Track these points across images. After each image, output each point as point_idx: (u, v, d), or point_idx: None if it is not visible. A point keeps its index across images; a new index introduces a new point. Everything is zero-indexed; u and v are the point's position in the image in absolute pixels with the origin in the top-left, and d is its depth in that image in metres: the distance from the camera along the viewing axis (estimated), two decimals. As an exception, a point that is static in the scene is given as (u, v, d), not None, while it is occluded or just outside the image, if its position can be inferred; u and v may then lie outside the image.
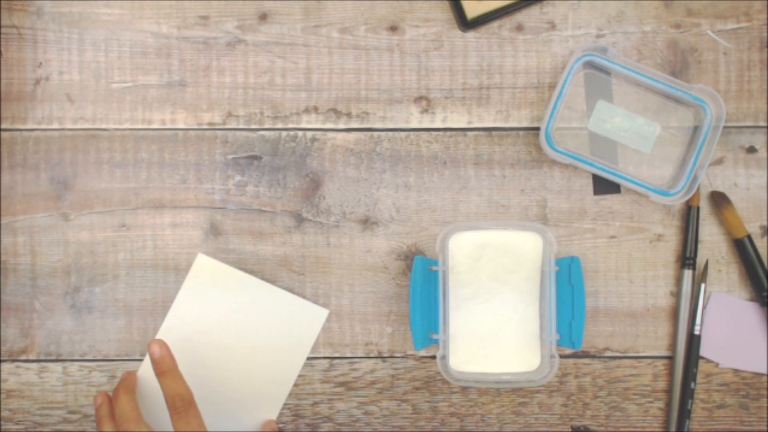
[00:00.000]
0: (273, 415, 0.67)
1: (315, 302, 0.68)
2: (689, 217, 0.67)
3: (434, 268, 0.66)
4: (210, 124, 0.69)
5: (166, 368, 0.61)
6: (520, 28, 0.69)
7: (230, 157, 0.69)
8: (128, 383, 0.65)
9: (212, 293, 0.67)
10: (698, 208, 0.67)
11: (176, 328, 0.67)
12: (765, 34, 0.69)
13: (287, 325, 0.67)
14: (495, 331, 0.66)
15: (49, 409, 0.68)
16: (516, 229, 0.67)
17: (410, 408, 0.68)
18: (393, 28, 0.69)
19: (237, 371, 0.67)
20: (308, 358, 0.68)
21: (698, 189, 0.67)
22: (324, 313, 0.68)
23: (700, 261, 0.68)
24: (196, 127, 0.69)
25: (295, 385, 0.67)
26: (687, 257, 0.67)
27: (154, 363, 0.61)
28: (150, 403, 0.66)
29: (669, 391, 0.68)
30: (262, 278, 0.68)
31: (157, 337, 0.67)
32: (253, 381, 0.67)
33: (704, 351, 0.68)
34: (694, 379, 0.67)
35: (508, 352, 0.67)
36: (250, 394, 0.67)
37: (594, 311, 0.68)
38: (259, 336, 0.67)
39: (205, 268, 0.67)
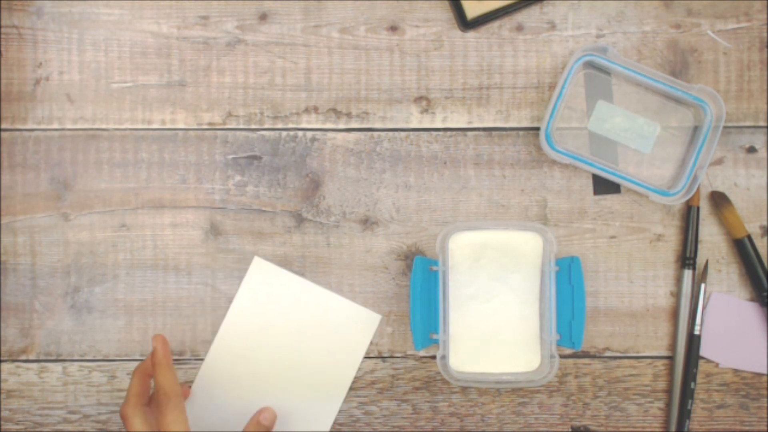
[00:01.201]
0: (330, 418, 0.67)
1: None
2: (689, 217, 0.67)
3: (434, 268, 0.66)
4: (210, 124, 0.69)
5: (157, 361, 0.61)
6: (520, 28, 0.69)
7: (230, 157, 0.69)
8: (167, 359, 0.64)
9: (268, 296, 0.67)
10: (698, 208, 0.67)
11: (233, 331, 0.67)
12: (765, 34, 0.69)
13: (341, 329, 0.67)
14: (495, 331, 0.66)
15: (49, 409, 0.68)
16: (516, 229, 0.67)
17: (410, 408, 0.68)
18: (393, 28, 0.69)
19: (293, 374, 0.67)
20: (308, 358, 0.68)
21: (698, 189, 0.67)
22: (377, 318, 0.68)
23: (700, 261, 0.68)
24: (196, 127, 0.69)
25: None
26: (687, 257, 0.67)
27: (151, 355, 0.62)
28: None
29: (669, 391, 0.68)
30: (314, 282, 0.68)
31: (216, 339, 0.67)
32: (309, 384, 0.67)
33: (704, 351, 0.68)
34: (694, 379, 0.67)
35: (508, 352, 0.66)
36: (306, 397, 0.67)
37: (594, 311, 0.68)
38: (315, 339, 0.67)
39: (260, 271, 0.68)
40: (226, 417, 0.66)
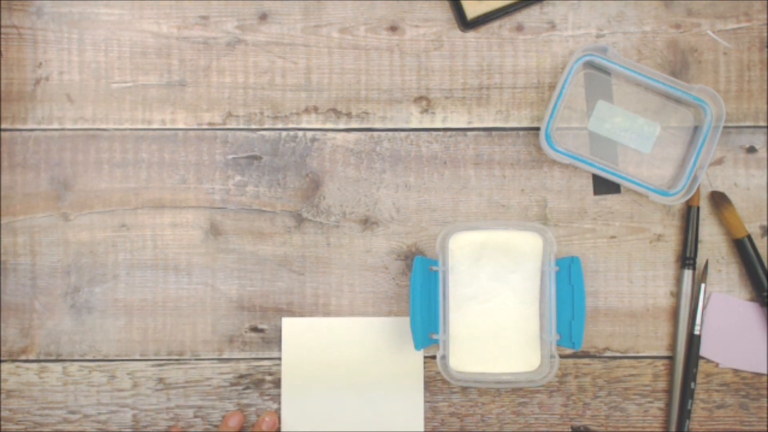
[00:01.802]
0: (419, 415, 0.67)
1: (315, 302, 0.68)
2: (689, 217, 0.67)
3: (434, 268, 0.66)
4: (210, 124, 0.69)
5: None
6: (520, 28, 0.69)
7: (230, 157, 0.69)
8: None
9: (310, 350, 0.68)
10: (698, 208, 0.67)
11: (295, 397, 0.67)
12: (765, 34, 0.69)
13: (391, 348, 0.67)
14: (495, 331, 0.66)
15: (49, 409, 0.68)
16: (516, 229, 0.67)
17: (410, 408, 0.68)
18: (393, 28, 0.69)
19: (367, 401, 0.67)
20: (308, 358, 0.68)
21: (698, 189, 0.67)
22: (406, 320, 0.68)
23: (700, 261, 0.68)
24: (196, 127, 0.69)
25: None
26: (687, 257, 0.67)
27: (259, 424, 0.66)
28: None
29: (669, 391, 0.68)
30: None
31: (283, 412, 0.67)
32: (386, 400, 0.67)
33: (704, 351, 0.68)
34: (694, 379, 0.67)
35: (508, 352, 0.66)
36: (389, 410, 0.67)
37: (594, 311, 0.68)
38: (369, 362, 0.67)
39: (293, 329, 0.68)
40: None
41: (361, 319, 0.68)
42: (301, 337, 0.68)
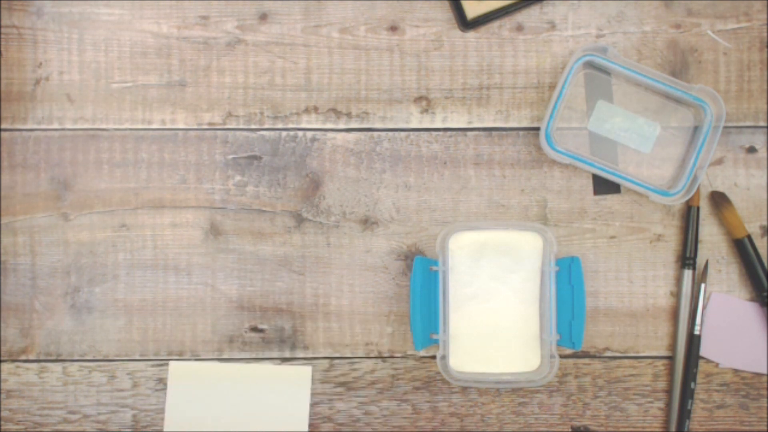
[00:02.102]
0: None
1: (315, 302, 0.68)
2: (689, 217, 0.67)
3: (434, 268, 0.66)
4: (210, 124, 0.69)
5: None
6: (520, 28, 0.69)
7: (230, 157, 0.69)
8: None
9: (197, 395, 0.67)
10: (698, 208, 0.67)
11: None
12: (765, 34, 0.69)
13: (279, 395, 0.67)
14: (495, 331, 0.66)
15: (49, 409, 0.68)
16: (516, 229, 0.67)
17: (410, 408, 0.68)
18: (393, 28, 0.69)
19: None
20: (308, 359, 0.68)
21: (698, 189, 0.67)
22: (308, 370, 0.68)
23: (700, 261, 0.68)
24: (196, 127, 0.69)
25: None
26: (687, 257, 0.67)
27: None
28: None
29: (669, 391, 0.68)
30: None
31: None
32: None
33: (704, 351, 0.68)
34: (694, 379, 0.67)
35: (508, 352, 0.66)
36: None
37: (594, 311, 0.68)
38: (257, 416, 0.67)
39: (180, 373, 0.67)
40: None
41: (248, 365, 0.68)
42: (188, 383, 0.67)
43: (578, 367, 0.68)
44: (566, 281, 0.65)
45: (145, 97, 0.69)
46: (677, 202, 0.66)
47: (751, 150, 0.68)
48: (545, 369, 0.65)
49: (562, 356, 0.68)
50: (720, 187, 0.68)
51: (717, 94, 0.65)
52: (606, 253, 0.68)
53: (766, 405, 0.68)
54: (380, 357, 0.68)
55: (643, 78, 0.66)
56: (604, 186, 0.69)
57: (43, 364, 0.68)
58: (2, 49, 0.69)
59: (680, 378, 0.67)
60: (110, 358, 0.69)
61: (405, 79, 0.69)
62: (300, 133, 0.69)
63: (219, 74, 0.69)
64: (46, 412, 0.68)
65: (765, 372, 0.68)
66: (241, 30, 0.69)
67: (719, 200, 0.68)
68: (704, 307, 0.68)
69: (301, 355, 0.68)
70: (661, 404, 0.68)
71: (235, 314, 0.69)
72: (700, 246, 0.68)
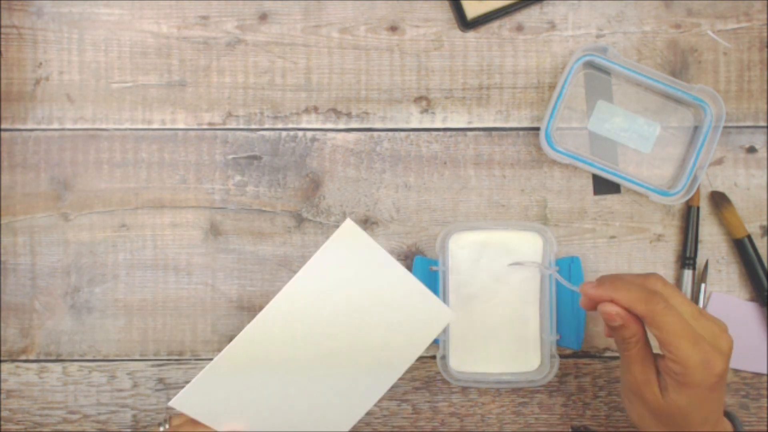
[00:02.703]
0: (365, 407, 0.63)
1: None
2: (689, 217, 0.67)
3: (434, 268, 0.66)
4: (210, 124, 0.69)
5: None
6: (520, 28, 0.69)
7: (230, 157, 0.69)
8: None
9: (348, 262, 0.60)
10: (698, 208, 0.67)
11: (300, 290, 0.59)
12: (765, 34, 0.69)
13: (411, 316, 0.62)
14: (495, 331, 0.66)
15: (49, 409, 0.68)
16: (516, 229, 0.67)
17: (410, 408, 0.68)
18: (393, 28, 0.69)
19: (346, 347, 0.61)
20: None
21: (698, 189, 0.67)
22: (449, 315, 0.63)
23: (700, 261, 0.68)
24: (196, 127, 0.69)
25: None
26: (687, 257, 0.67)
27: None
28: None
29: (669, 391, 0.68)
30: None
31: (283, 292, 0.59)
32: (359, 362, 0.62)
33: (704, 351, 0.68)
34: (694, 379, 0.67)
35: (508, 352, 0.66)
36: (352, 376, 0.62)
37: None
38: (381, 318, 0.61)
39: (349, 234, 0.59)
40: (263, 380, 0.60)
41: (406, 272, 0.61)
42: (348, 246, 0.60)
43: (578, 367, 0.68)
44: (566, 281, 0.65)
45: (145, 97, 0.69)
46: (677, 202, 0.66)
47: (751, 150, 0.68)
48: (545, 369, 0.65)
49: (562, 356, 0.68)
50: (720, 187, 0.68)
51: (717, 94, 0.65)
52: (606, 253, 0.68)
53: (766, 405, 0.68)
54: (380, 357, 0.68)
55: (643, 78, 0.66)
56: (604, 186, 0.69)
57: (43, 364, 0.68)
58: (2, 49, 0.69)
59: (680, 378, 0.67)
60: (110, 358, 0.69)
61: (405, 79, 0.69)
62: (300, 133, 0.69)
63: (219, 74, 0.69)
64: (46, 412, 0.68)
65: (765, 372, 0.68)
66: (241, 30, 0.69)
67: (719, 200, 0.68)
68: (704, 307, 0.68)
69: (301, 355, 0.68)
70: (661, 404, 0.68)
71: (235, 314, 0.69)
72: (700, 246, 0.68)
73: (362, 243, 0.60)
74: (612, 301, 0.55)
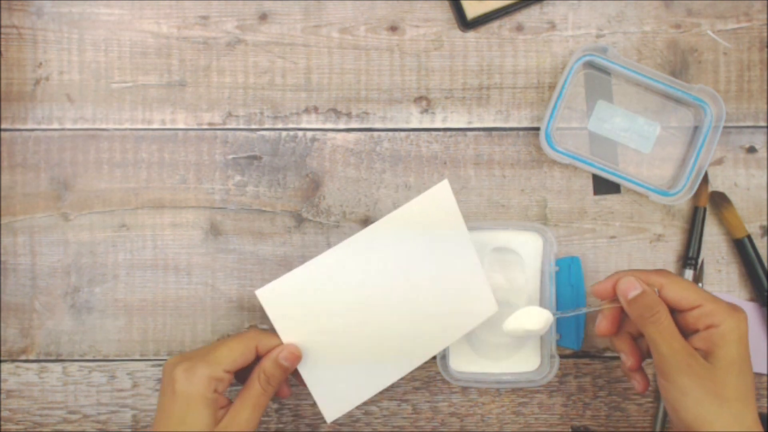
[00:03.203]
0: (387, 381, 0.63)
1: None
2: (695, 218, 0.67)
3: (434, 268, 0.66)
4: (210, 124, 0.69)
5: (282, 356, 0.59)
6: (520, 28, 0.69)
7: (230, 157, 0.69)
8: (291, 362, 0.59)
9: (429, 221, 0.61)
10: (705, 209, 0.67)
11: (381, 233, 0.60)
12: (765, 34, 0.69)
13: (460, 296, 0.63)
14: (495, 330, 0.66)
15: (49, 409, 0.68)
16: (516, 229, 0.67)
17: (410, 408, 0.68)
18: (393, 28, 0.69)
19: (404, 304, 0.62)
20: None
21: (706, 190, 0.67)
22: (493, 308, 0.64)
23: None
24: (196, 127, 0.69)
25: (294, 385, 0.66)
26: (689, 257, 0.67)
27: (275, 349, 0.59)
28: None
29: (669, 391, 0.68)
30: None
31: (370, 228, 0.60)
32: (412, 322, 0.62)
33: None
34: (694, 379, 0.67)
35: (508, 352, 0.66)
36: (406, 332, 0.62)
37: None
38: (434, 287, 0.62)
39: (441, 195, 0.61)
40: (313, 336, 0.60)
41: (476, 262, 0.62)
42: (435, 206, 0.61)
43: (578, 367, 0.68)
44: (566, 281, 0.65)
45: (145, 97, 0.69)
46: (677, 202, 0.66)
47: (751, 150, 0.68)
48: (545, 369, 0.65)
49: (562, 356, 0.68)
50: (720, 187, 0.68)
51: (717, 94, 0.65)
52: (606, 253, 0.68)
53: (766, 405, 0.68)
54: (380, 357, 0.68)
55: (643, 78, 0.66)
56: (604, 186, 0.69)
57: (43, 364, 0.68)
58: (2, 49, 0.69)
59: (680, 378, 0.67)
60: (110, 358, 0.69)
61: (405, 79, 0.69)
62: (300, 133, 0.69)
63: (219, 74, 0.69)
64: (46, 412, 0.68)
65: (765, 372, 0.68)
66: (241, 30, 0.69)
67: (719, 200, 0.68)
68: (704, 307, 0.68)
69: (301, 355, 0.68)
70: (661, 404, 0.68)
71: (235, 314, 0.69)
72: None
73: (448, 208, 0.62)
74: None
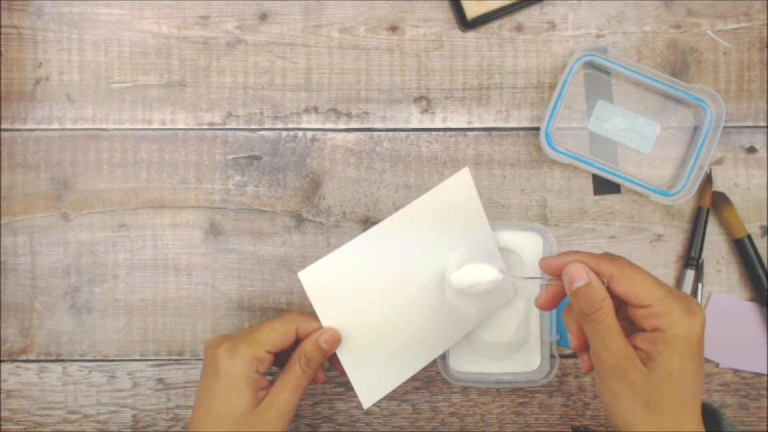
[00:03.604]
0: (441, 350, 0.63)
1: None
2: (698, 218, 0.67)
3: (434, 268, 0.66)
4: (210, 124, 0.69)
5: (323, 339, 0.59)
6: (520, 28, 0.69)
7: (230, 157, 0.69)
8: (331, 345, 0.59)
9: (448, 208, 0.61)
10: (708, 210, 0.67)
11: (404, 220, 0.60)
12: (765, 34, 0.69)
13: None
14: (495, 330, 0.66)
15: (49, 409, 0.68)
16: (516, 229, 0.67)
17: (410, 408, 0.68)
18: (393, 28, 0.69)
19: (429, 291, 0.62)
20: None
21: (709, 190, 0.67)
22: (511, 293, 0.65)
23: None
24: (196, 127, 0.69)
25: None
26: (691, 257, 0.67)
27: (315, 333, 0.59)
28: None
29: (669, 391, 0.68)
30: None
31: (399, 213, 0.60)
32: (438, 309, 0.62)
33: (704, 351, 0.67)
34: (694, 379, 0.67)
35: (508, 352, 0.66)
36: (419, 331, 0.62)
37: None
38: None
39: (462, 183, 0.61)
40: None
41: (496, 248, 0.63)
42: (456, 195, 0.61)
43: (578, 367, 0.68)
44: (566, 281, 0.65)
45: (145, 97, 0.69)
46: (677, 202, 0.66)
47: (751, 150, 0.68)
48: (545, 369, 0.65)
49: (562, 356, 0.68)
50: (720, 187, 0.68)
51: (717, 94, 0.65)
52: (606, 253, 0.68)
53: (766, 405, 0.68)
54: (380, 357, 0.68)
55: (643, 78, 0.66)
56: (604, 186, 0.69)
57: (43, 364, 0.68)
58: (2, 49, 0.69)
59: (680, 378, 0.67)
60: (110, 358, 0.69)
61: (405, 79, 0.69)
62: (300, 133, 0.69)
63: (219, 74, 0.69)
64: (46, 412, 0.68)
65: (765, 372, 0.68)
66: (241, 30, 0.69)
67: (719, 200, 0.68)
68: (704, 307, 0.68)
69: (301, 355, 0.68)
70: (661, 404, 0.68)
71: (235, 314, 0.69)
72: (700, 246, 0.68)
73: (468, 196, 0.62)
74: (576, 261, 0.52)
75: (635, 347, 0.50)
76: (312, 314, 0.60)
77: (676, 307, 0.49)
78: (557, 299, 0.55)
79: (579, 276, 0.51)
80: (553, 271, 0.53)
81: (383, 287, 0.61)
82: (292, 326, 0.58)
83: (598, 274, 0.51)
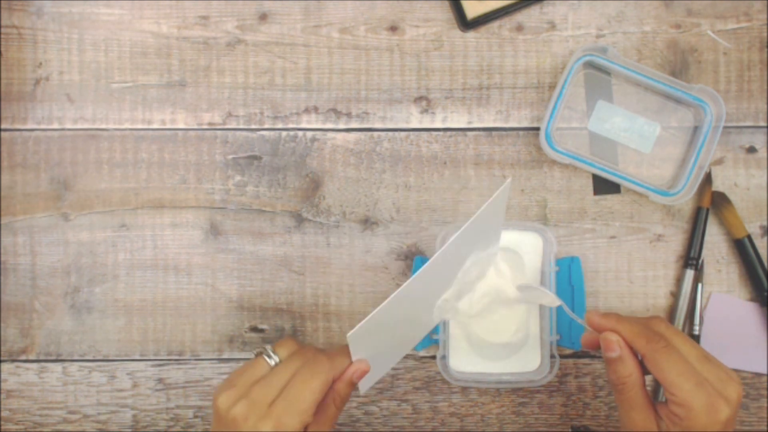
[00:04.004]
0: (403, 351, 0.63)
1: (315, 302, 0.68)
2: (698, 218, 0.67)
3: (434, 268, 0.66)
4: (210, 124, 0.69)
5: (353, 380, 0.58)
6: (520, 28, 0.69)
7: (230, 157, 0.69)
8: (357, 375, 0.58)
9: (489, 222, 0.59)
10: (708, 210, 0.67)
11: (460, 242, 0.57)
12: (765, 34, 0.69)
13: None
14: (495, 331, 0.66)
15: (49, 409, 0.68)
16: (516, 229, 0.67)
17: (410, 408, 0.68)
18: (393, 28, 0.69)
19: (423, 289, 0.59)
20: (308, 358, 0.68)
21: (709, 190, 0.67)
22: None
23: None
24: (196, 127, 0.69)
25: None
26: (691, 257, 0.67)
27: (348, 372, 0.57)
28: None
29: (669, 391, 0.68)
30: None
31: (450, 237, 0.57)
32: (420, 300, 0.60)
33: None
34: (694, 379, 0.67)
35: (508, 352, 0.66)
36: (414, 316, 0.61)
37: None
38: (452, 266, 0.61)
39: (501, 199, 0.58)
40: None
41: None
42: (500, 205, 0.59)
43: (578, 367, 0.68)
44: (566, 281, 0.65)
45: (145, 97, 0.69)
46: (677, 202, 0.66)
47: (751, 150, 0.68)
48: (545, 369, 0.65)
49: (562, 356, 0.68)
50: (720, 187, 0.68)
51: (717, 94, 0.65)
52: (606, 253, 0.68)
53: (766, 405, 0.68)
54: (380, 357, 0.68)
55: (643, 78, 0.66)
56: (604, 186, 0.69)
57: (43, 364, 0.68)
58: (2, 49, 0.69)
59: (680, 378, 0.67)
60: (110, 358, 0.69)
61: (405, 79, 0.69)
62: (300, 133, 0.69)
63: (219, 74, 0.69)
64: (46, 412, 0.68)
65: (765, 372, 0.68)
66: (241, 30, 0.69)
67: (719, 200, 0.68)
68: (704, 307, 0.68)
69: (301, 355, 0.68)
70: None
71: (235, 314, 0.69)
72: (700, 246, 0.68)
73: (501, 206, 0.59)
74: (614, 331, 0.54)
75: (660, 412, 0.52)
76: (330, 344, 0.60)
77: (699, 403, 0.50)
78: (597, 344, 0.57)
79: (611, 349, 0.53)
80: (595, 328, 0.55)
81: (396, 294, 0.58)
82: (329, 379, 0.56)
83: (632, 347, 0.53)
